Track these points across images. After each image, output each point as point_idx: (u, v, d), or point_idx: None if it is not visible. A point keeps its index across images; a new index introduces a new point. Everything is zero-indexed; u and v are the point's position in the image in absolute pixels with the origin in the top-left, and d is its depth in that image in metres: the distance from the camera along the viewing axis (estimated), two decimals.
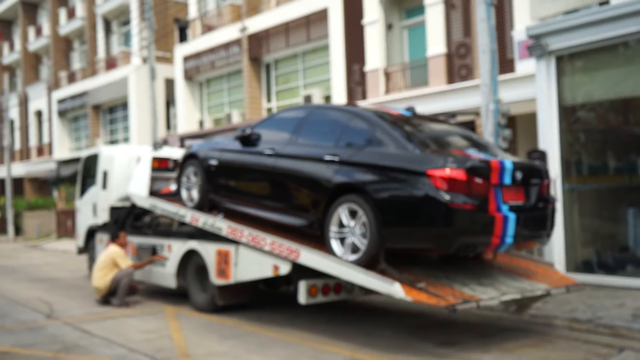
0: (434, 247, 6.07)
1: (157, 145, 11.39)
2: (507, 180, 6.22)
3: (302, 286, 7.00)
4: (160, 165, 10.85)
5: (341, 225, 6.65)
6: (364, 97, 18.51)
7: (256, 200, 7.98)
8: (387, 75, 18.01)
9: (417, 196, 5.94)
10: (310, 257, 6.80)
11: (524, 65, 13.67)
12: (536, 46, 9.66)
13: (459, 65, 16.09)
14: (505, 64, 14.37)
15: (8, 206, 29.89)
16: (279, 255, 7.17)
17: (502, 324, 7.82)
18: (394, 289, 5.85)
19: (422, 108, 15.61)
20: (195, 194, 8.98)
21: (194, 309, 8.92)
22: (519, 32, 13.72)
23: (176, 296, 9.87)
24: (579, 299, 8.48)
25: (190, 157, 9.16)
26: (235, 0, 24.29)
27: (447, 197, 5.80)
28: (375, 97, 17.73)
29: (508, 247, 6.37)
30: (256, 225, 7.85)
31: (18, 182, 39.26)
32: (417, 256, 7.04)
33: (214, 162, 8.62)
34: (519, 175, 6.32)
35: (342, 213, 6.59)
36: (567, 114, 9.81)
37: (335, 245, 6.70)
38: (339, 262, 6.51)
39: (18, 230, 29.78)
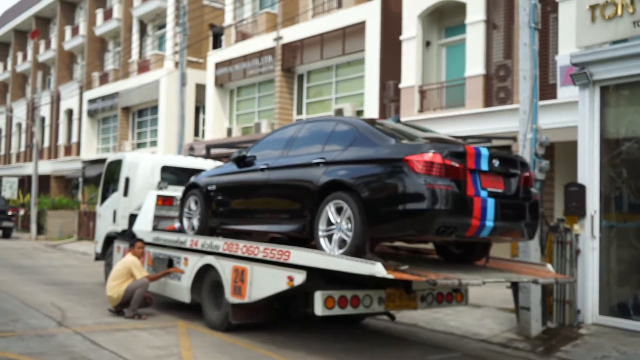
0: (415, 230, 6.17)
1: (161, 184, 11.52)
2: (484, 166, 6.40)
3: (318, 297, 6.81)
4: (164, 203, 10.96)
5: (329, 223, 6.84)
6: (397, 114, 18.12)
7: (251, 216, 8.32)
8: (422, 93, 17.65)
9: (396, 182, 6.18)
10: (299, 255, 6.96)
11: (567, 91, 13.20)
12: (580, 75, 9.23)
13: (497, 87, 15.66)
14: (546, 89, 13.91)
15: (32, 204, 29.99)
16: (291, 265, 7.09)
17: None
18: (376, 269, 5.96)
19: (457, 129, 15.23)
20: (195, 222, 9.32)
21: (206, 325, 8.62)
22: (563, 57, 13.26)
23: (190, 310, 9.58)
24: (611, 345, 8.02)
25: (191, 187, 9.53)
26: (272, 9, 24.16)
27: (424, 179, 6.01)
28: (409, 115, 17.35)
29: (490, 232, 6.35)
30: (253, 240, 8.15)
31: (44, 180, 39.58)
32: (414, 258, 7.35)
33: (212, 188, 8.98)
34: (495, 162, 6.49)
35: (329, 211, 6.81)
36: (610, 147, 9.33)
37: (323, 243, 6.88)
38: (325, 255, 6.69)
39: (40, 229, 29.85)
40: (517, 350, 8.05)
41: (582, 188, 9.13)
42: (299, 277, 6.93)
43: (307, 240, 7.51)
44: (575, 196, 9.16)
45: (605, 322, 8.95)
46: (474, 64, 16.20)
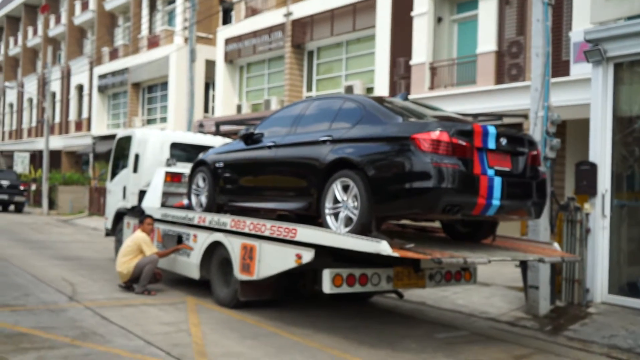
0: (421, 209, 6.16)
1: (169, 161, 11.51)
2: (491, 144, 6.37)
3: (326, 275, 6.80)
4: (173, 179, 10.97)
5: (335, 201, 6.85)
6: (407, 91, 17.97)
7: (258, 193, 8.34)
8: (433, 70, 17.48)
9: (402, 160, 6.16)
10: (305, 233, 6.98)
11: (580, 69, 13.03)
12: (593, 51, 9.07)
13: (509, 64, 15.48)
14: (559, 66, 13.72)
15: (44, 179, 30.15)
16: (299, 243, 7.10)
17: (536, 344, 7.34)
18: (381, 247, 5.97)
19: (468, 107, 15.12)
20: (203, 198, 9.36)
21: (215, 302, 8.67)
22: (577, 33, 13.06)
23: (199, 286, 9.63)
24: (620, 324, 7.98)
25: (199, 164, 9.55)
26: None
27: (430, 157, 5.99)
28: (420, 93, 17.23)
29: (496, 211, 6.34)
30: (260, 217, 8.17)
31: (55, 155, 39.78)
32: (420, 236, 7.40)
33: (219, 165, 9.01)
34: (503, 140, 6.45)
35: (335, 189, 6.82)
36: (622, 125, 9.21)
37: (330, 220, 6.90)
38: (331, 233, 6.71)
39: (52, 204, 30.05)
40: (525, 329, 8.04)
41: (593, 166, 9.04)
42: (307, 255, 6.93)
43: (315, 218, 7.52)
44: (586, 175, 9.07)
45: (614, 301, 8.92)
46: (486, 41, 16.01)
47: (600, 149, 9.08)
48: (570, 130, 14.06)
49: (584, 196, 9.20)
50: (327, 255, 7.02)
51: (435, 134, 6.08)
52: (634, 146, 9.18)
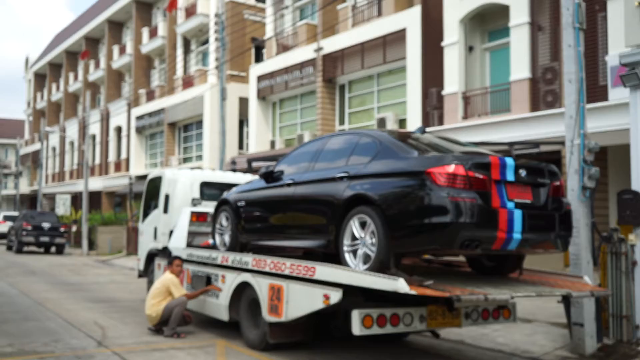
0: (439, 245, 6.00)
1: (195, 201, 11.45)
2: (510, 176, 6.22)
3: (355, 316, 6.54)
4: (198, 219, 10.89)
5: (353, 238, 6.74)
6: (440, 122, 17.75)
7: (278, 231, 8.27)
8: (466, 99, 17.21)
9: (419, 195, 6.03)
10: (324, 271, 6.86)
11: (618, 93, 12.61)
12: (630, 75, 8.70)
13: (544, 91, 15.12)
14: (596, 91, 13.34)
15: (83, 220, 30.57)
16: (327, 283, 6.88)
17: None
18: (398, 284, 5.83)
19: (503, 135, 14.77)
20: (227, 238, 9.33)
21: (245, 344, 8.42)
22: (613, 57, 12.68)
23: (229, 327, 9.40)
24: None
25: (222, 203, 9.52)
26: (311, 20, 24.07)
27: (447, 192, 5.86)
28: (453, 123, 16.95)
29: (518, 245, 6.15)
30: (282, 256, 8.04)
31: (96, 196, 40.45)
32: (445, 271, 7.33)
33: (241, 203, 8.97)
34: (522, 172, 6.29)
35: (353, 225, 6.71)
36: None
37: (348, 258, 6.78)
38: (349, 270, 6.56)
39: (92, 245, 30.40)
40: None
41: (636, 195, 8.58)
42: (335, 296, 6.68)
43: (336, 255, 7.31)
44: (630, 204, 8.62)
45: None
46: (519, 68, 15.70)
47: None
48: (612, 157, 13.56)
49: (628, 227, 8.74)
50: (357, 295, 6.76)
51: (451, 168, 5.97)
52: None
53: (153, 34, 37.17)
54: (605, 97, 13.34)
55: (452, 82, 17.30)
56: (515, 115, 15.41)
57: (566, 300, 8.31)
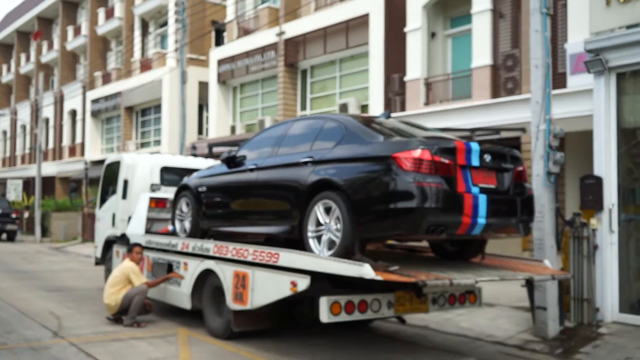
0: (404, 230, 5.96)
1: (154, 186, 11.19)
2: (475, 161, 6.20)
3: (323, 303, 6.43)
4: (158, 205, 10.67)
5: (318, 224, 6.65)
6: (402, 107, 17.73)
7: (241, 217, 8.13)
8: (428, 85, 17.22)
9: (384, 180, 5.96)
10: (288, 257, 6.76)
11: (577, 80, 12.76)
12: (595, 61, 8.78)
13: (505, 78, 15.22)
14: (555, 79, 13.43)
15: (36, 206, 29.72)
16: (293, 270, 6.75)
17: None
18: (364, 270, 5.77)
19: (465, 122, 14.81)
20: (187, 224, 9.16)
21: (208, 333, 8.26)
22: (573, 44, 12.83)
23: (191, 316, 9.22)
24: (634, 345, 7.64)
25: (182, 189, 9.35)
26: (273, 3, 23.75)
27: (413, 176, 5.81)
28: (415, 109, 16.96)
29: (482, 229, 6.15)
30: (244, 242, 7.91)
31: (49, 182, 39.37)
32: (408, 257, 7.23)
33: (202, 189, 8.79)
34: (487, 157, 6.28)
35: (317, 211, 6.62)
36: (627, 136, 8.89)
37: (313, 244, 6.70)
38: (314, 257, 6.48)
39: (45, 231, 29.58)
40: (534, 353, 7.66)
41: (599, 180, 8.70)
42: (303, 282, 6.55)
43: (300, 241, 7.21)
44: (592, 189, 8.73)
45: (626, 320, 8.55)
46: (481, 55, 15.78)
47: (605, 162, 8.76)
48: (570, 144, 13.75)
49: (590, 211, 8.86)
50: (324, 282, 6.64)
51: (417, 153, 5.91)
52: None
53: (109, 14, 36.19)
54: (564, 84, 13.49)
55: (415, 68, 17.29)
56: (477, 101, 15.49)
57: (529, 284, 8.40)
